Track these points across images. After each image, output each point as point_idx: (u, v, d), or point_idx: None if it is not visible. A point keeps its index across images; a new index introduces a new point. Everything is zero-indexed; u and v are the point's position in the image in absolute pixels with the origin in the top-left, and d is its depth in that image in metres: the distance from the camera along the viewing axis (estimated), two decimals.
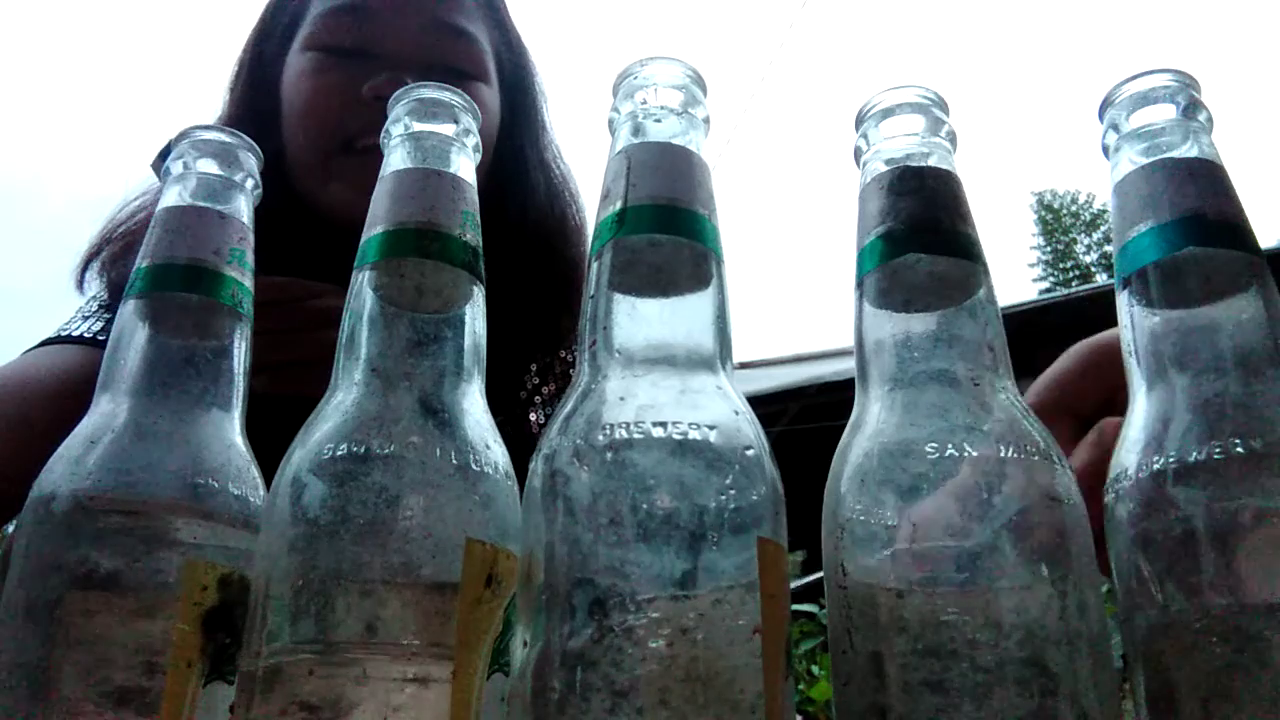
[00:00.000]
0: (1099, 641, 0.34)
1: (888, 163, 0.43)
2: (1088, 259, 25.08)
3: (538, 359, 0.95)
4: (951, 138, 0.43)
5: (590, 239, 0.99)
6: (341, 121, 0.81)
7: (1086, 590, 0.35)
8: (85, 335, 0.81)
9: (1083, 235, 25.55)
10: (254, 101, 0.87)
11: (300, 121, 0.83)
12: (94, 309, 0.84)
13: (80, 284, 0.84)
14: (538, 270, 0.88)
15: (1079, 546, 0.35)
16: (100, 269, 0.83)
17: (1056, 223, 25.64)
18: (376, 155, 0.79)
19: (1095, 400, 0.51)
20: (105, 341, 0.80)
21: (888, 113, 0.44)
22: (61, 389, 0.72)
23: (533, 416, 0.94)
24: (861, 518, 0.36)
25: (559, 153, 0.97)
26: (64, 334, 0.82)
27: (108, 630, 0.38)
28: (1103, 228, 25.04)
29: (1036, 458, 0.36)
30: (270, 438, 0.46)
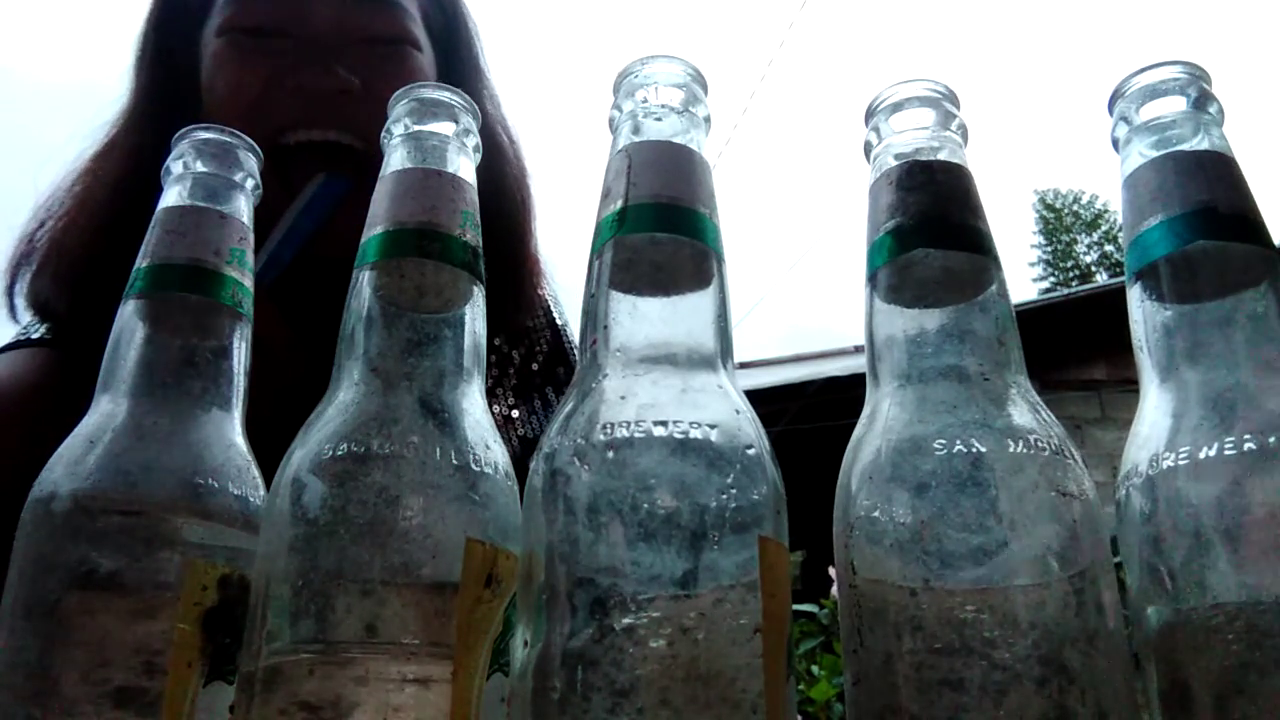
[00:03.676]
0: (1116, 638, 0.34)
1: (897, 157, 0.43)
2: (1088, 259, 25.08)
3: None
4: (962, 131, 0.43)
5: (532, 192, 0.87)
6: (266, 114, 0.77)
7: (1103, 586, 0.35)
8: (47, 336, 0.79)
9: (1083, 235, 25.55)
10: (169, 89, 0.82)
11: (223, 115, 0.77)
12: None
13: (11, 306, 0.80)
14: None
15: (1094, 542, 0.35)
16: (24, 289, 0.79)
17: (1058, 222, 25.63)
18: (307, 151, 0.75)
19: None
20: (54, 340, 0.77)
21: (897, 107, 0.43)
22: (39, 393, 0.71)
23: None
24: (872, 515, 0.36)
25: (499, 103, 0.91)
26: (25, 337, 0.79)
27: (108, 630, 0.38)
28: (1103, 227, 25.03)
29: (1048, 453, 0.36)
30: (270, 438, 0.46)
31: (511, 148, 0.89)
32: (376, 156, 0.82)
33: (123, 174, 0.78)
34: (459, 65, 0.88)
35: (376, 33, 0.81)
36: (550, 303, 0.98)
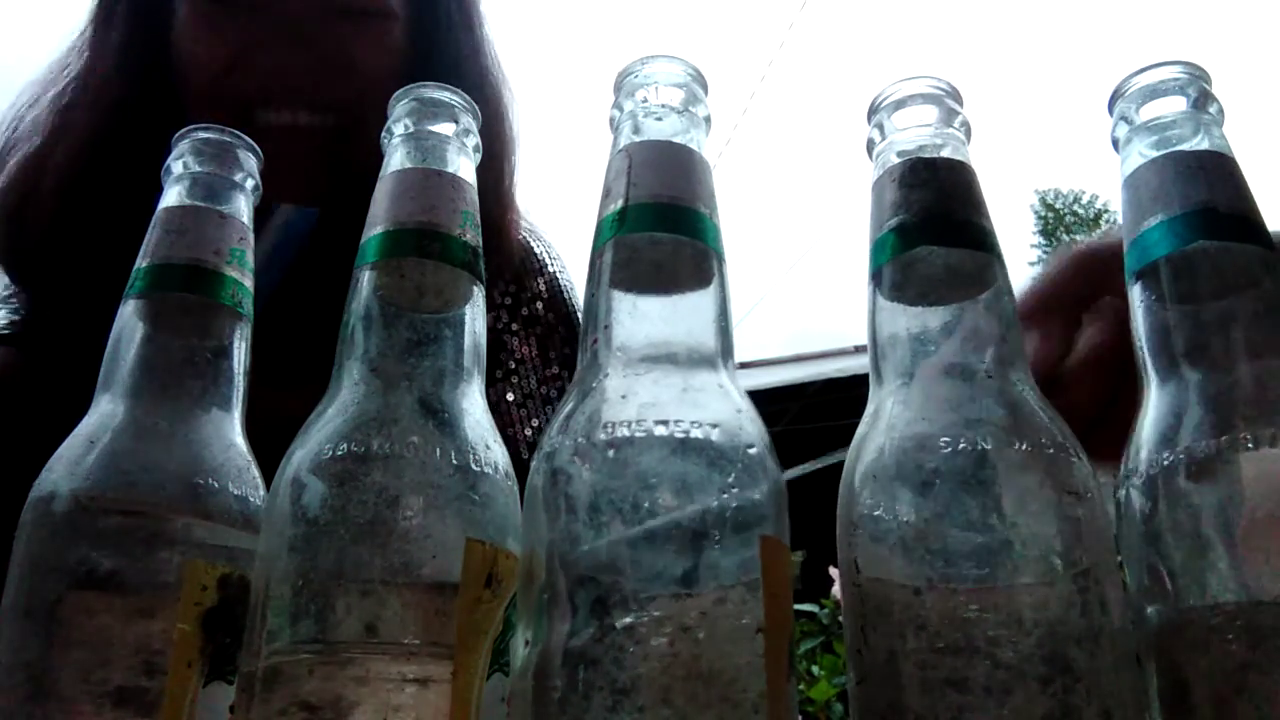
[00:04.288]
0: (1120, 637, 0.34)
1: (900, 154, 0.42)
2: None
3: None
4: (965, 128, 0.43)
5: (516, 160, 0.84)
6: (233, 91, 0.72)
7: (1107, 585, 0.34)
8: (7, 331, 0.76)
9: (1083, 235, 25.53)
10: (143, 53, 0.76)
11: (189, 87, 0.74)
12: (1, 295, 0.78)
13: None
14: None
15: (1098, 540, 0.35)
16: None
17: (1058, 222, 25.64)
18: (277, 132, 0.72)
19: (1087, 298, 0.52)
20: (12, 338, 0.76)
21: (900, 104, 0.43)
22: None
23: None
24: (876, 513, 0.36)
25: (494, 54, 0.84)
26: None
27: (108, 630, 0.38)
28: (1103, 227, 25.02)
29: (1052, 450, 0.36)
30: (270, 438, 0.45)
31: (493, 88, 0.83)
32: (350, 131, 0.76)
33: (92, 135, 0.74)
34: (437, 21, 0.82)
35: (349, 3, 0.76)
36: (549, 263, 0.93)
